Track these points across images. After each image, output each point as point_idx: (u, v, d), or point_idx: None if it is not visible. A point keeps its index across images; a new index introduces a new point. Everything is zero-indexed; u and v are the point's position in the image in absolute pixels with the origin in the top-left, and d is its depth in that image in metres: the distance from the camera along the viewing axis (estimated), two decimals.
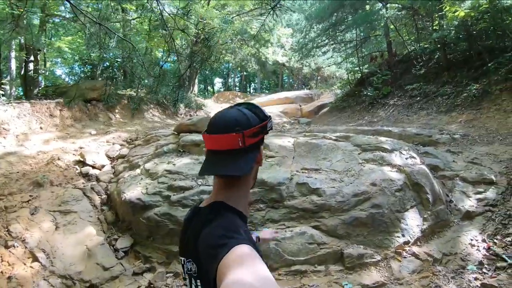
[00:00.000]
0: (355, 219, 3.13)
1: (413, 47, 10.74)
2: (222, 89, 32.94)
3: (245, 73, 31.25)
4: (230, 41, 12.81)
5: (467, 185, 3.92)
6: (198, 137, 4.98)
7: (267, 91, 31.84)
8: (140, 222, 3.49)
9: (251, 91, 35.64)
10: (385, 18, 9.84)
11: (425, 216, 3.36)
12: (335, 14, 11.75)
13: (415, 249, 3.11)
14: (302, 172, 3.84)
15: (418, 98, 8.22)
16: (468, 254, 3.10)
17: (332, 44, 13.42)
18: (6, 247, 3.00)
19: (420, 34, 10.31)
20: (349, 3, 10.84)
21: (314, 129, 7.31)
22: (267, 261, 2.91)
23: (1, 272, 2.76)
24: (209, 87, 36.67)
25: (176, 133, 5.85)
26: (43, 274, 2.91)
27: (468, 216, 3.54)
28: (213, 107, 17.08)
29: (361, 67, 12.37)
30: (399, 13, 9.98)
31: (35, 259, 3.00)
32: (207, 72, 34.24)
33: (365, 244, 3.06)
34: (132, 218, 3.63)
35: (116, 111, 8.75)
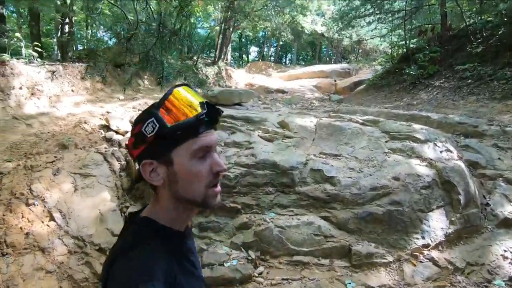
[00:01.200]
0: (369, 214, 2.87)
1: (472, 20, 9.31)
2: (257, 59, 32.13)
3: (281, 42, 29.93)
4: (265, 7, 12.08)
5: (511, 188, 3.41)
6: None
7: (303, 63, 30.50)
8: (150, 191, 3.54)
9: (287, 62, 34.37)
10: None
11: (452, 219, 2.99)
12: None
13: (434, 254, 2.82)
14: (319, 157, 3.58)
15: (470, 80, 7.23)
16: (498, 266, 2.73)
17: (377, 14, 12.12)
18: (27, 204, 3.21)
19: (483, 4, 8.84)
20: None
21: (343, 108, 6.82)
22: (269, 248, 2.82)
23: (21, 227, 2.98)
24: (244, 56, 35.95)
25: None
26: (58, 233, 3.09)
27: (506, 223, 3.10)
28: (244, 77, 16.76)
29: (407, 42, 11.11)
30: None
31: (52, 218, 3.19)
32: (242, 40, 33.40)
33: (377, 243, 2.82)
34: (144, 186, 3.69)
35: (145, 77, 8.85)
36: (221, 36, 13.59)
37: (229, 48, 19.34)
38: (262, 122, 4.55)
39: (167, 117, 0.61)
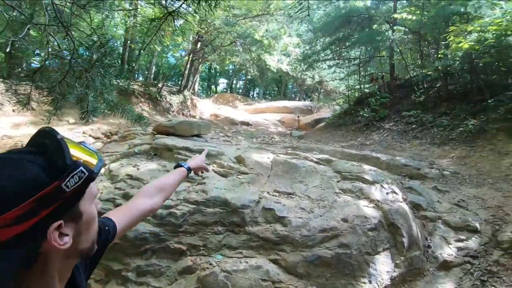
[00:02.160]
0: (318, 257, 2.81)
1: (415, 73, 10.53)
2: (225, 90, 32.73)
3: (249, 77, 31.07)
4: (233, 43, 12.58)
5: (449, 230, 3.62)
6: (172, 142, 4.68)
7: (269, 98, 31.71)
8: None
9: (254, 95, 35.47)
10: (390, 40, 9.65)
11: (397, 261, 3.04)
12: (342, 29, 11.56)
13: None
14: (273, 195, 3.53)
15: (414, 125, 7.97)
16: None
17: (336, 59, 13.23)
18: None
19: (424, 60, 10.10)
20: (356, 20, 10.65)
21: (301, 145, 7.02)
22: None
23: None
24: (212, 86, 36.47)
25: (154, 133, 5.54)
26: None
27: (445, 266, 3.23)
28: (210, 107, 16.82)
29: (361, 86, 12.15)
30: (405, 36, 9.79)
31: None
32: (212, 71, 34.10)
33: None
34: None
35: (103, 111, 8.43)
36: (188, 66, 13.73)
37: (197, 78, 19.54)
38: (219, 156, 4.45)
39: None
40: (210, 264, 2.79)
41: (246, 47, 12.69)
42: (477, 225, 3.60)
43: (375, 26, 10.45)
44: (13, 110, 5.78)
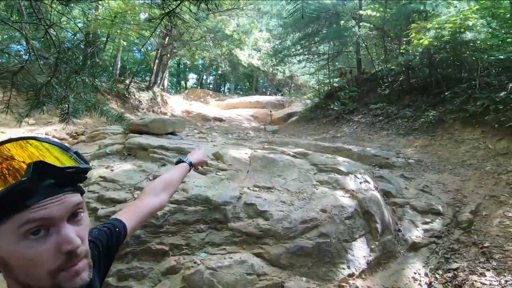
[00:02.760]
0: (300, 248, 2.92)
1: (380, 67, 11.08)
2: (195, 86, 32.04)
3: (219, 72, 30.70)
4: (203, 38, 12.34)
5: (416, 214, 3.92)
6: (146, 141, 4.53)
7: (241, 93, 31.57)
8: None
9: (225, 91, 35.15)
10: (357, 36, 10.04)
11: (372, 246, 3.25)
12: (312, 25, 11.81)
13: (359, 282, 2.97)
14: (253, 190, 3.58)
15: (381, 117, 8.41)
16: None
17: (306, 54, 13.50)
18: None
19: (388, 55, 10.65)
20: (324, 16, 10.92)
21: (277, 140, 7.14)
22: None
23: None
24: (182, 82, 35.54)
25: (126, 132, 5.32)
26: None
27: (414, 247, 3.51)
28: (181, 104, 16.43)
29: (331, 80, 12.55)
30: (371, 32, 10.24)
31: None
32: (181, 66, 33.21)
33: (309, 276, 2.86)
34: None
35: (82, 112, 7.91)
36: (157, 61, 13.26)
37: (166, 74, 18.94)
38: None
39: None
40: (194, 263, 2.78)
41: (217, 42, 12.52)
42: (440, 208, 3.93)
43: (342, 22, 10.81)
44: None
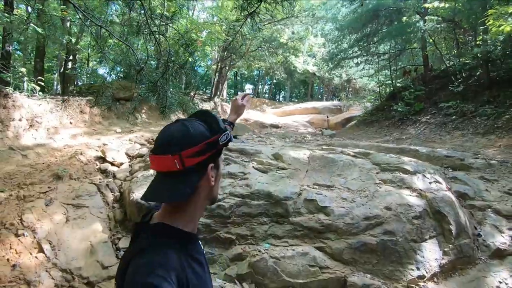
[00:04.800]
0: (363, 244, 2.88)
1: (452, 62, 10.05)
2: (252, 96, 33.14)
3: (274, 80, 31.31)
4: (259, 48, 12.87)
5: (501, 219, 3.48)
6: None
7: (296, 100, 31.62)
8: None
9: (280, 99, 35.61)
10: (422, 31, 9.34)
11: (445, 249, 3.01)
12: (370, 25, 11.38)
13: (430, 285, 2.79)
14: (313, 188, 3.65)
15: (454, 117, 7.63)
16: None
17: (364, 56, 13.00)
18: (17, 235, 3.14)
19: (461, 48, 9.63)
20: (384, 14, 10.44)
21: (335, 142, 7.02)
22: (263, 280, 2.77)
23: (8, 259, 2.88)
24: (239, 93, 37.14)
25: None
26: (46, 265, 2.99)
27: (499, 254, 3.13)
28: None
29: (393, 81, 11.82)
30: (438, 26, 9.42)
31: (41, 250, 3.10)
32: (238, 77, 34.85)
33: (373, 274, 2.80)
34: (137, 218, 3.65)
35: (143, 111, 9.08)
36: (217, 74, 14.24)
37: (225, 85, 20.13)
38: (257, 154, 4.66)
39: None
40: (259, 251, 2.97)
41: (273, 51, 12.91)
42: None
43: (404, 18, 10.15)
44: (71, 123, 6.46)
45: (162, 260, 0.65)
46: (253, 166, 4.24)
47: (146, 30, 1.59)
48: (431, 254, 2.94)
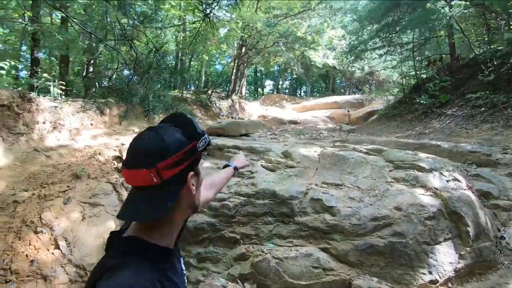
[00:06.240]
0: (370, 246, 2.76)
1: (481, 50, 9.33)
2: (271, 91, 33.00)
3: (294, 76, 30.89)
4: (275, 44, 12.72)
5: None
6: (222, 141, 5.00)
7: (317, 95, 31.03)
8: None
9: (301, 94, 35.10)
10: (448, 17, 8.73)
11: (462, 252, 2.81)
12: (392, 14, 10.83)
13: None
14: (321, 187, 3.55)
15: (483, 108, 7.08)
16: None
17: (385, 47, 12.42)
18: (36, 232, 3.34)
19: (492, 34, 8.90)
20: (405, 2, 9.89)
21: (350, 138, 6.79)
22: (266, 280, 2.74)
23: (27, 255, 3.08)
24: (259, 89, 37.09)
25: None
26: (62, 261, 3.16)
27: None
28: (257, 109, 17.21)
29: (417, 72, 11.20)
30: (466, 11, 8.76)
31: (57, 246, 3.28)
32: (258, 74, 34.78)
33: (380, 277, 2.68)
34: None
35: (161, 110, 9.32)
36: (234, 71, 14.28)
37: (244, 82, 20.15)
38: (266, 152, 4.62)
39: None
40: (262, 252, 2.95)
41: (289, 46, 12.71)
42: None
43: (428, 5, 9.53)
44: (91, 124, 6.77)
45: (128, 285, 0.60)
46: (261, 165, 4.21)
47: (119, 35, 1.61)
48: (446, 258, 2.76)
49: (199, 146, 0.74)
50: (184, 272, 0.88)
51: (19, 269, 2.91)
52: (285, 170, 4.02)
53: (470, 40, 9.60)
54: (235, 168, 1.46)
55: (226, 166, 1.47)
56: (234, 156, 1.61)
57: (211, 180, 1.31)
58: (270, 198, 3.35)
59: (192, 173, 0.74)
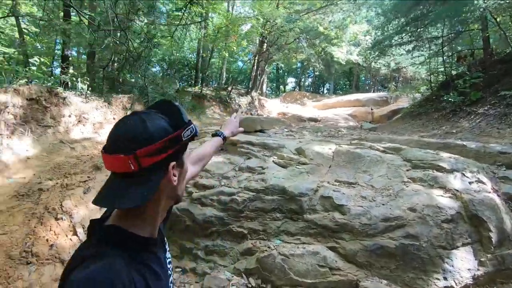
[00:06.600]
0: (380, 247, 2.65)
1: None
2: (293, 89, 32.68)
3: (317, 73, 30.34)
4: (296, 40, 12.54)
5: None
6: (236, 137, 5.00)
7: (341, 92, 30.29)
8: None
9: (324, 91, 34.43)
10: (481, 9, 8.15)
11: (482, 259, 2.63)
12: (420, 7, 10.29)
13: None
14: (333, 184, 3.46)
15: None
16: None
17: (412, 42, 11.84)
18: (56, 219, 3.54)
19: None
20: None
21: (369, 136, 6.55)
22: (270, 276, 2.72)
23: (47, 239, 3.27)
24: (281, 86, 36.85)
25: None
26: None
27: None
28: (277, 106, 17.11)
29: (446, 68, 10.58)
30: (502, 2, 8.13)
31: (75, 233, 3.46)
32: (280, 71, 34.53)
33: (390, 280, 2.56)
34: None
35: (182, 104, 9.51)
36: (254, 68, 14.27)
37: (265, 79, 20.11)
38: (280, 148, 4.57)
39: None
40: (268, 247, 2.92)
41: (310, 42, 12.48)
42: None
43: None
44: (114, 118, 7.05)
45: (105, 276, 0.58)
46: (273, 161, 4.17)
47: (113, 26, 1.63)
48: (463, 264, 2.60)
49: (184, 135, 0.72)
50: (170, 262, 0.87)
51: (39, 252, 3.09)
52: (297, 166, 3.95)
53: (507, 34, 8.91)
54: (224, 138, 1.39)
55: (214, 135, 1.40)
56: (226, 121, 1.52)
57: (197, 153, 1.25)
58: (280, 194, 3.31)
59: (174, 163, 0.71)
